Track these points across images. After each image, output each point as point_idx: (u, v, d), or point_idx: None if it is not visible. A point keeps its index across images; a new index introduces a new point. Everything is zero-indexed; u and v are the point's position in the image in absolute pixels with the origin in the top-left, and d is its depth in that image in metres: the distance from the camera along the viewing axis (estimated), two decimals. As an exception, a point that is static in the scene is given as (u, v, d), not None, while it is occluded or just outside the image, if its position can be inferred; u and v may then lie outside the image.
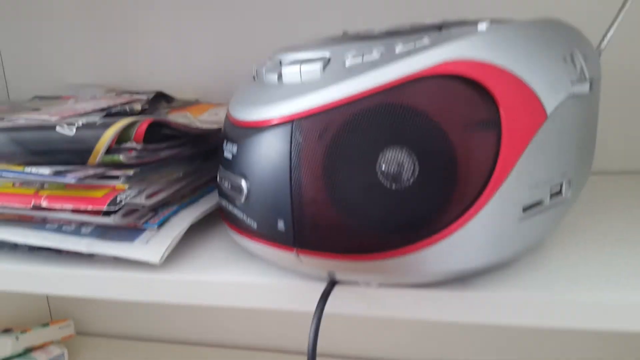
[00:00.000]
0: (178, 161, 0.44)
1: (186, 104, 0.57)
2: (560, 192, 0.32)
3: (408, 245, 0.28)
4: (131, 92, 0.60)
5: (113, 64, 0.67)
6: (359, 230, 0.28)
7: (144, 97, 0.53)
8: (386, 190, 0.28)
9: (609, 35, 0.36)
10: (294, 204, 0.29)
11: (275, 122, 0.30)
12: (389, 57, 0.28)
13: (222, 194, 0.35)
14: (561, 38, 0.31)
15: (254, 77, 0.36)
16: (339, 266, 0.30)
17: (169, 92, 0.60)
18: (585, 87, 0.31)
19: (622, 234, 0.37)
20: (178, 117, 0.47)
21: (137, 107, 0.48)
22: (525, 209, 0.30)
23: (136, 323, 0.77)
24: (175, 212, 0.40)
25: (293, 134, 0.29)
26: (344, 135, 0.28)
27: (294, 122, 0.29)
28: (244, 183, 0.32)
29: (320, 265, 0.30)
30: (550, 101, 0.28)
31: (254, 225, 0.32)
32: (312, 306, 0.32)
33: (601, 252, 0.35)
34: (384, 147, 0.27)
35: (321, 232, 0.29)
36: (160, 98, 0.58)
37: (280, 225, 0.30)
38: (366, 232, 0.28)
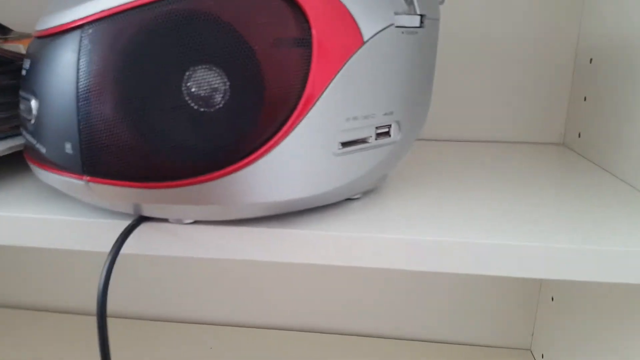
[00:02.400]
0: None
1: (23, 36, 0.50)
2: (388, 133, 0.31)
3: (211, 173, 0.25)
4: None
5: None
6: (155, 155, 0.25)
7: (-35, 22, 0.45)
8: (187, 109, 0.25)
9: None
10: (81, 124, 0.25)
11: (63, 29, 0.26)
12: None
13: (20, 121, 0.30)
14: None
15: None
16: (135, 196, 0.26)
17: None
18: (413, 21, 0.29)
19: (452, 187, 0.38)
20: (10, 49, 0.41)
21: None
22: (345, 144, 0.28)
23: (32, 293, 0.68)
24: (-25, 146, 0.35)
25: (82, 42, 0.25)
26: (139, 43, 0.24)
27: (83, 28, 0.25)
28: (33, 102, 0.27)
29: (112, 194, 0.26)
30: (368, 26, 0.26)
31: (44, 150, 0.27)
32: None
33: (432, 201, 0.34)
34: (184, 58, 0.24)
35: (113, 157, 0.25)
36: (-6, 29, 0.50)
37: (68, 148, 0.26)
38: (162, 157, 0.25)
